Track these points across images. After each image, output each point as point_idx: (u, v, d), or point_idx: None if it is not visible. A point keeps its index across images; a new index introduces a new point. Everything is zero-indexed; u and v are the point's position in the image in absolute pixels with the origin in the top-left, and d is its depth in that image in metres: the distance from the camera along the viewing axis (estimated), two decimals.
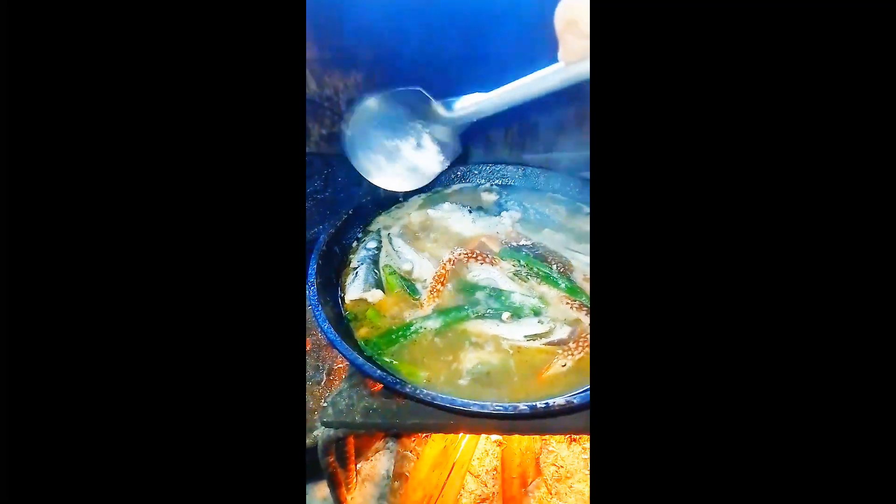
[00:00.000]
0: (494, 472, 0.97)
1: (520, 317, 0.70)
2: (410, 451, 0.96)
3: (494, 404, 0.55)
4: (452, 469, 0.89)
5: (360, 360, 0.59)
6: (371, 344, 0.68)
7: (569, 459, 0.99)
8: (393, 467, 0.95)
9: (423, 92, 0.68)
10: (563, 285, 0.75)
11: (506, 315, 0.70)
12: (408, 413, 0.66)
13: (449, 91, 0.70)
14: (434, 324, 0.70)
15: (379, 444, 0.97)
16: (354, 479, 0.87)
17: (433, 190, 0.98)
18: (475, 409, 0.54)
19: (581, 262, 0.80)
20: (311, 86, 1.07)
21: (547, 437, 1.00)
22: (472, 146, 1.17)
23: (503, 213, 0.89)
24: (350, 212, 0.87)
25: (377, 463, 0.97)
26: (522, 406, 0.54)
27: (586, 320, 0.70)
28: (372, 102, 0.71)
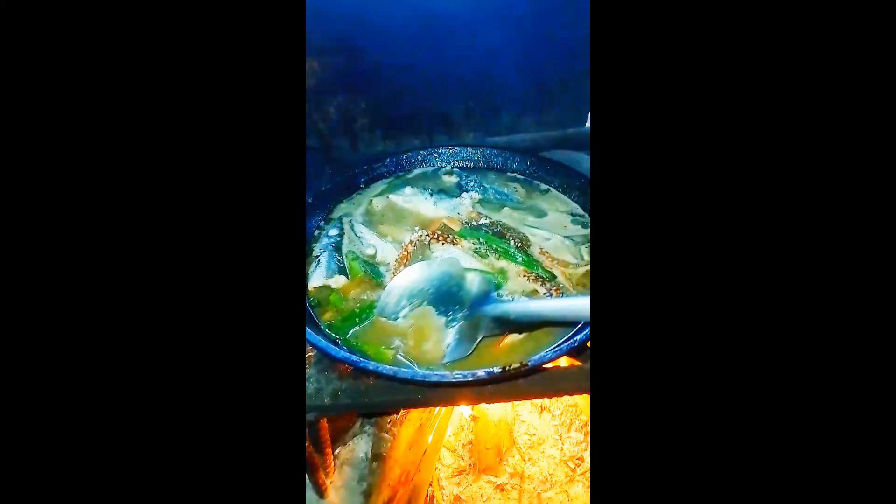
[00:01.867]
0: (470, 446, 1.01)
1: None
2: (387, 433, 0.98)
3: (454, 373, 0.57)
4: (429, 445, 0.92)
5: (323, 342, 0.61)
6: (335, 327, 0.70)
7: (540, 427, 1.04)
8: (371, 449, 0.97)
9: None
10: (520, 259, 0.78)
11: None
12: (377, 392, 0.67)
13: None
14: None
15: (355, 427, 0.99)
16: (332, 463, 0.89)
17: (395, 175, 0.99)
18: (435, 379, 0.57)
19: (538, 237, 0.83)
20: None
21: (518, 407, 1.04)
22: (434, 129, 1.19)
23: (463, 195, 0.91)
24: (310, 200, 0.87)
25: (355, 446, 0.99)
26: (480, 372, 0.56)
27: (542, 290, 0.73)
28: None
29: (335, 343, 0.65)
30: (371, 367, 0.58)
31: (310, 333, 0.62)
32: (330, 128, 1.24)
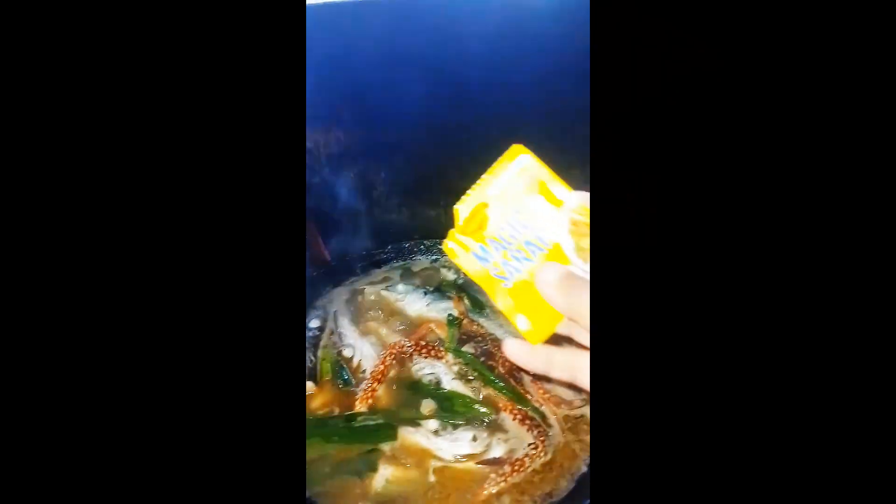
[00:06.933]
0: None
1: (455, 428, 0.65)
2: None
3: None
4: None
5: None
6: None
7: None
8: None
9: None
10: (507, 392, 0.69)
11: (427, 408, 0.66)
12: None
13: None
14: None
15: None
16: None
17: (400, 264, 0.96)
18: None
19: None
20: None
21: None
22: (450, 202, 1.18)
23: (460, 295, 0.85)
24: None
25: None
26: None
27: (530, 435, 0.64)
28: None
29: None
30: None
31: None
32: (348, 192, 1.27)
